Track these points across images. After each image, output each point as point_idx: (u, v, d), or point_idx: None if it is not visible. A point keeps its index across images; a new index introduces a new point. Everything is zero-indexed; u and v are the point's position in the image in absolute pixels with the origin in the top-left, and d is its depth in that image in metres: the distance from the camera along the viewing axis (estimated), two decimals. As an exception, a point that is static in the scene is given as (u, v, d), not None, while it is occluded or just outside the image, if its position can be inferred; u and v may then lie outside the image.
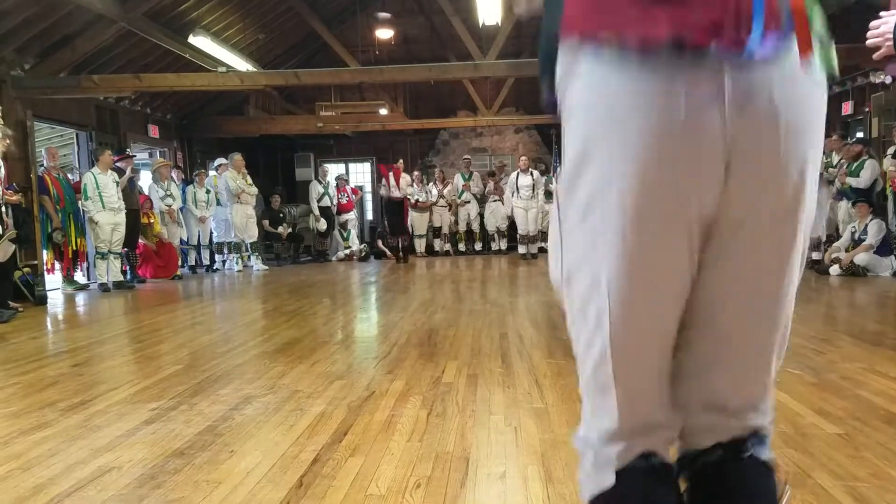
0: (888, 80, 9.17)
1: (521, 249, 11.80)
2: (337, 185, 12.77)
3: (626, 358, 1.07)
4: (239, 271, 10.77)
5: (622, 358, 1.07)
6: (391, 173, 12.20)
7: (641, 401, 1.11)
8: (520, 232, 11.80)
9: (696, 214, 0.98)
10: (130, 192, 8.98)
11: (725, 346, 1.11)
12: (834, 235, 8.63)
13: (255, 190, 11.10)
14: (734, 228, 1.00)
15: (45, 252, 8.06)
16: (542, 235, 11.73)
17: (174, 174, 10.49)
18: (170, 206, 10.02)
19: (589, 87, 0.97)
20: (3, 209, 6.42)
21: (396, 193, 12.33)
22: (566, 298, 1.12)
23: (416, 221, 12.93)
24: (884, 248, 7.65)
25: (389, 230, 12.55)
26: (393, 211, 12.53)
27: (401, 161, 12.78)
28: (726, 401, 1.14)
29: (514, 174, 11.85)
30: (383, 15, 12.08)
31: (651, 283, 1.02)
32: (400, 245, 12.07)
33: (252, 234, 11.04)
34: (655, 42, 0.89)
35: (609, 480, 1.11)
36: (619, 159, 0.95)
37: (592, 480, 1.16)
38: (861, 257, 7.60)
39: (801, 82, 0.96)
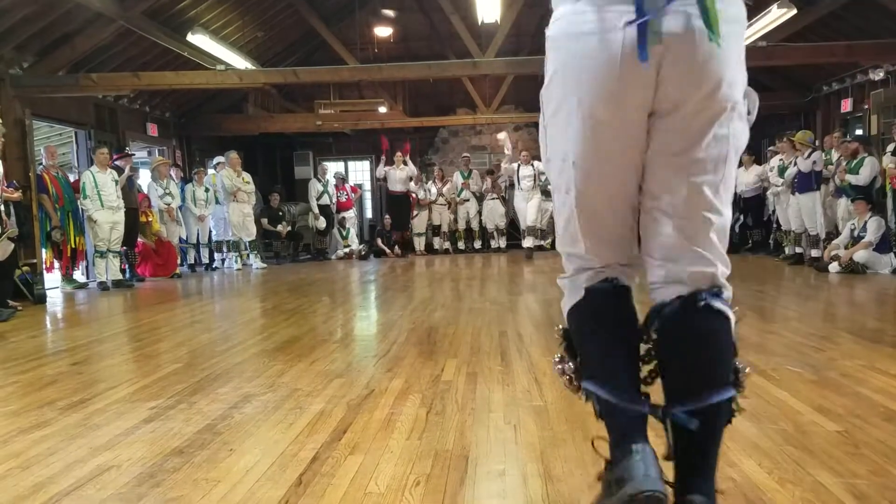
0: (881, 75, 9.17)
1: (527, 243, 11.31)
2: (336, 183, 12.77)
3: (588, 216, 1.49)
4: (238, 270, 10.77)
5: (585, 217, 1.49)
6: (392, 153, 12.42)
7: (604, 250, 1.54)
8: (521, 226, 11.70)
9: (636, 106, 1.37)
10: (129, 190, 8.98)
11: (663, 202, 1.45)
12: (833, 233, 8.63)
13: (251, 188, 11.08)
14: (666, 115, 1.38)
15: (44, 251, 8.06)
16: (541, 233, 11.71)
17: (173, 172, 10.48)
18: (169, 204, 10.01)
19: (563, 25, 1.40)
20: (3, 207, 6.41)
21: (398, 187, 12.38)
22: (549, 177, 1.56)
23: (416, 219, 12.93)
24: (883, 246, 7.65)
25: (392, 223, 12.62)
26: (396, 203, 12.55)
27: (407, 145, 12.87)
28: (675, 251, 1.47)
29: (512, 165, 11.66)
30: (387, 12, 12.04)
31: (605, 157, 1.42)
32: (401, 239, 12.13)
33: (250, 233, 11.03)
34: None
35: (580, 295, 1.56)
36: (579, 73, 1.36)
37: (570, 298, 1.59)
38: (860, 254, 7.60)
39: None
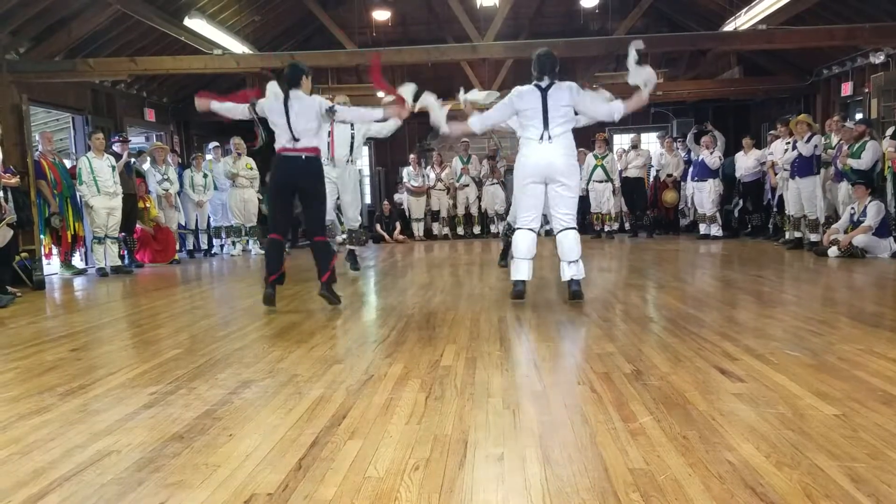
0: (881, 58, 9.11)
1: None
2: (336, 168, 12.67)
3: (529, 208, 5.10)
4: (232, 255, 10.74)
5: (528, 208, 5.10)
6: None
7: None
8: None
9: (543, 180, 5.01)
10: (128, 176, 8.94)
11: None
12: (833, 217, 8.61)
13: (254, 174, 11.01)
14: (552, 184, 4.99)
15: (42, 237, 8.04)
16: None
17: (170, 158, 10.43)
18: (167, 190, 9.97)
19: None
20: (1, 193, 6.39)
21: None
22: (515, 198, 5.46)
23: (414, 205, 12.90)
24: (882, 230, 7.64)
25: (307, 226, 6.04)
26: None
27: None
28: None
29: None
30: None
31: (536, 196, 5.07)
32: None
33: (250, 219, 10.98)
34: None
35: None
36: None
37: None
38: (860, 239, 7.60)
39: None
